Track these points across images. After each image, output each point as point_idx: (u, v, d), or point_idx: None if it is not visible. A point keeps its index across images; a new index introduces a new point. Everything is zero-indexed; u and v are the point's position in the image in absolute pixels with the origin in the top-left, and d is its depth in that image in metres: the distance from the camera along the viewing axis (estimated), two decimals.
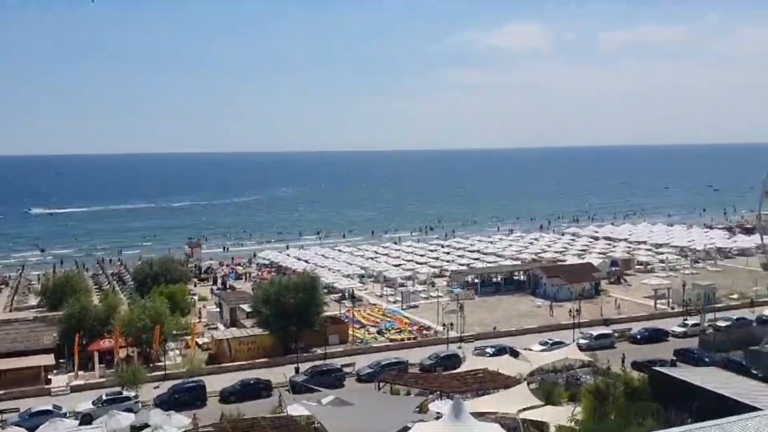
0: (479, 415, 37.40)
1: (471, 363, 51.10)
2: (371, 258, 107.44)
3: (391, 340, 64.37)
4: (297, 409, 40.08)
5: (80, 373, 55.50)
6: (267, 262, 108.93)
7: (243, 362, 58.02)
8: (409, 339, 64.73)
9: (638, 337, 63.65)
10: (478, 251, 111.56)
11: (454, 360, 55.36)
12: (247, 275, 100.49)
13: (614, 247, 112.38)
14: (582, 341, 60.02)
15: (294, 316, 59.87)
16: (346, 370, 55.03)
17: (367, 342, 64.11)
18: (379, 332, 66.92)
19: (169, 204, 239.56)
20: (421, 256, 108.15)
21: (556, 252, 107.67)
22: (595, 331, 63.43)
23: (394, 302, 79.61)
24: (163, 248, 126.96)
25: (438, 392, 44.32)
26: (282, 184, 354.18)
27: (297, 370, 55.07)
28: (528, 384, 44.86)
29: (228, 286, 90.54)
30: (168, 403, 47.42)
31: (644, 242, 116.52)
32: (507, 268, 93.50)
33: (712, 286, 77.33)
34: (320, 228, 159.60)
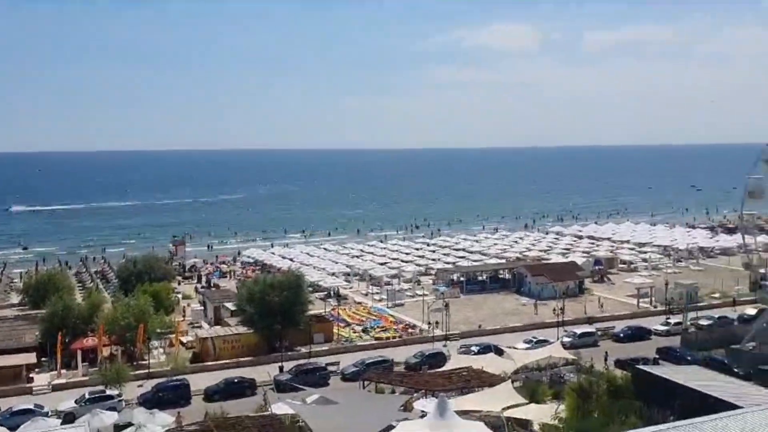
0: (464, 414, 37.48)
1: (456, 361, 51.21)
2: (357, 256, 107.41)
3: (377, 339, 64.40)
4: (281, 407, 40.04)
5: (63, 371, 55.06)
6: (252, 260, 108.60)
7: (227, 361, 57.85)
8: (394, 337, 64.79)
9: (621, 335, 64.13)
10: (463, 250, 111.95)
11: (439, 358, 55.47)
12: (232, 273, 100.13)
13: (598, 246, 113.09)
14: (566, 339, 60.46)
15: (279, 314, 59.77)
16: (331, 368, 54.99)
17: (352, 340, 64.10)
18: (365, 331, 66.93)
19: (153, 202, 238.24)
20: (407, 254, 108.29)
21: (540, 251, 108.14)
22: (579, 330, 63.87)
23: (380, 301, 79.67)
24: (147, 246, 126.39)
25: (423, 391, 44.38)
26: (268, 182, 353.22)
27: (281, 368, 54.97)
28: (512, 382, 45.04)
29: (212, 285, 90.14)
30: (152, 401, 47.27)
31: (627, 241, 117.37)
32: (492, 266, 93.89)
33: (694, 285, 77.93)
34: (305, 226, 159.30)
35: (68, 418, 44.71)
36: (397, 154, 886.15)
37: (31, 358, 55.61)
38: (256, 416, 40.55)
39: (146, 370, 55.25)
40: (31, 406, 46.49)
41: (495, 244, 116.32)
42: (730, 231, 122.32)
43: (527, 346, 58.50)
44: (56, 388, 52.55)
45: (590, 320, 69.52)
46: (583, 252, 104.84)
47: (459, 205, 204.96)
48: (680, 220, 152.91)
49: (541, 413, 39.43)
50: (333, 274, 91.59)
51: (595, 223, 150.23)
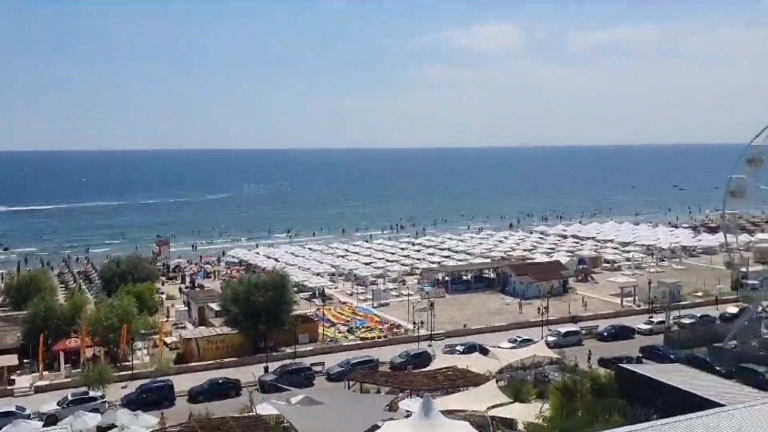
0: (449, 413, 37.55)
1: (441, 361, 51.38)
2: (342, 256, 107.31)
3: (362, 339, 64.35)
4: (266, 408, 39.95)
5: (45, 373, 54.56)
6: (236, 260, 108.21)
7: (211, 361, 57.58)
8: (379, 337, 64.77)
9: (605, 334, 64.49)
10: (448, 249, 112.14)
11: (424, 358, 55.54)
12: (216, 273, 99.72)
13: (582, 245, 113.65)
14: (550, 338, 60.68)
15: (263, 314, 59.54)
16: (316, 369, 54.89)
17: (338, 340, 64.02)
18: (350, 331, 66.86)
19: (137, 201, 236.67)
20: (392, 254, 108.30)
21: (525, 250, 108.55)
22: (563, 329, 64.16)
23: (365, 300, 79.60)
24: (131, 246, 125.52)
25: (408, 390, 44.43)
26: (251, 181, 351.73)
27: (266, 369, 54.78)
28: (497, 381, 45.24)
29: (196, 285, 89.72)
30: (135, 402, 46.96)
31: (611, 241, 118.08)
32: (477, 266, 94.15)
33: (677, 284, 78.56)
34: (290, 226, 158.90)
35: (50, 420, 44.33)
36: (388, 154, 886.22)
37: (12, 359, 55.02)
38: (241, 417, 40.42)
39: (130, 371, 54.89)
40: (13, 409, 46.02)
41: (480, 243, 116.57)
42: (713, 230, 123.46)
43: (512, 345, 58.67)
44: (38, 390, 52.08)
45: (574, 319, 69.86)
46: (568, 251, 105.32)
47: (446, 205, 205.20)
48: (663, 220, 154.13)
49: (525, 412, 39.61)
50: (318, 274, 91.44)
51: (580, 222, 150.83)
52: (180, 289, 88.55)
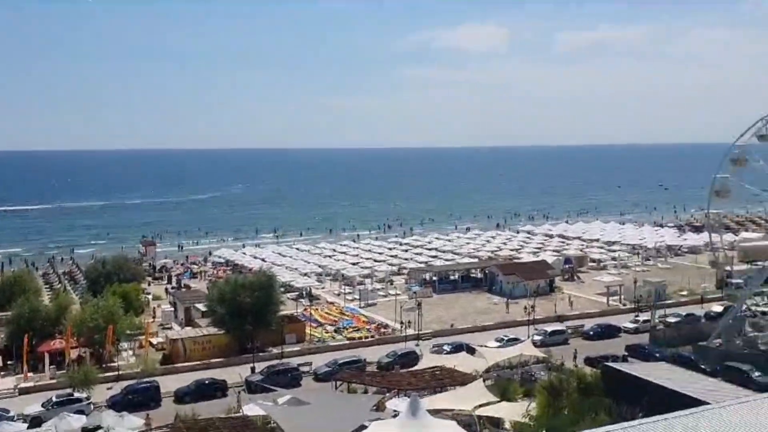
0: (436, 413, 37.63)
1: (428, 360, 51.40)
2: (329, 256, 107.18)
3: (349, 339, 64.31)
4: (253, 409, 39.84)
5: (29, 374, 54.07)
6: (222, 260, 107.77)
7: (198, 362, 57.34)
8: (366, 337, 64.75)
9: (591, 333, 64.83)
10: (436, 249, 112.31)
11: (411, 358, 55.59)
12: (203, 274, 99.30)
13: (568, 245, 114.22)
14: (536, 338, 60.90)
15: (250, 315, 59.36)
16: (303, 369, 54.79)
17: (325, 341, 63.93)
18: (337, 331, 66.80)
19: (123, 201, 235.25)
20: (380, 254, 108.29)
21: (512, 250, 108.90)
22: (550, 328, 64.41)
23: (352, 300, 79.53)
24: (116, 246, 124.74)
25: (395, 390, 44.46)
26: (239, 181, 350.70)
27: (253, 369, 54.62)
28: (484, 381, 45.39)
29: (183, 285, 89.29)
30: (121, 404, 46.75)
31: (597, 240, 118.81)
32: (464, 265, 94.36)
33: (662, 283, 79.10)
34: (277, 226, 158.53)
35: (35, 422, 44.05)
36: (382, 153, 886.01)
37: None
38: (227, 418, 40.36)
39: (115, 372, 54.56)
40: None
41: (467, 243, 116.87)
42: (697, 229, 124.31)
43: (498, 344, 58.87)
44: (23, 392, 51.64)
45: (560, 318, 70.16)
46: (554, 251, 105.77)
47: (440, 205, 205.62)
48: (648, 219, 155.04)
49: (512, 411, 39.73)
50: (305, 274, 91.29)
51: (566, 222, 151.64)
52: (166, 289, 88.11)
